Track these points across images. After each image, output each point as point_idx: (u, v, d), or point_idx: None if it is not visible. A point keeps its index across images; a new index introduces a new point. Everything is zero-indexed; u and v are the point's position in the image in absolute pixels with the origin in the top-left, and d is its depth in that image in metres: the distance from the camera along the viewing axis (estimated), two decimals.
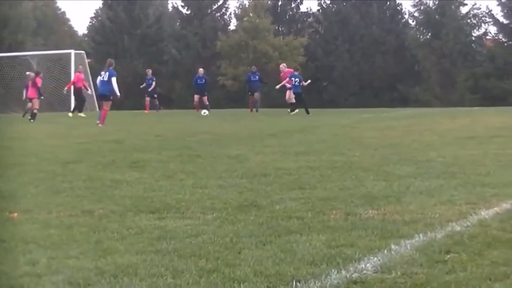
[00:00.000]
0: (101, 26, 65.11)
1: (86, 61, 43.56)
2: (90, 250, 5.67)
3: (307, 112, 27.96)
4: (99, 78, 23.26)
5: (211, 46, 58.88)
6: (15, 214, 7.22)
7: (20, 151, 13.30)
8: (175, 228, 6.47)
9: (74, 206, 7.64)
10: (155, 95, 36.30)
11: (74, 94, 33.46)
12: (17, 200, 8.09)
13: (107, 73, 22.45)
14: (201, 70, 34.43)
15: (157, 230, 6.39)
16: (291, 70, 31.51)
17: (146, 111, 34.91)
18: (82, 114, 30.34)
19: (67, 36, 76.55)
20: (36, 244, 5.92)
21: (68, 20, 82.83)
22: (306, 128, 19.41)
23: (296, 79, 28.94)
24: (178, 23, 65.65)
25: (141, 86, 37.41)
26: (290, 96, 29.43)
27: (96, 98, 34.67)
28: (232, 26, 63.00)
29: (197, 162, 11.57)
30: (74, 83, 32.56)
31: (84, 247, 5.80)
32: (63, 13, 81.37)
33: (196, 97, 33.10)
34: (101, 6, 69.30)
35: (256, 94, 33.34)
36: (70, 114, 30.87)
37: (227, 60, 56.87)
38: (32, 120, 25.37)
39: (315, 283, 4.70)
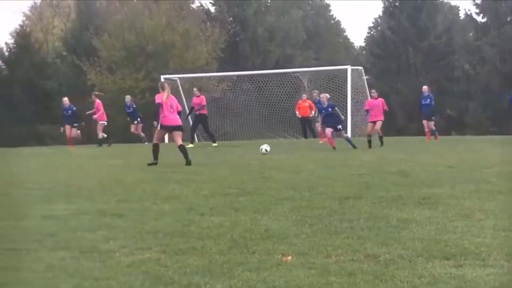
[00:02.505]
0: (381, 37, 65.88)
1: (364, 78, 44.16)
2: None
3: None
4: None
5: None
6: (289, 257, 7.54)
7: (285, 183, 13.83)
8: (475, 278, 6.40)
9: (355, 249, 7.82)
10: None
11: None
12: (289, 241, 8.44)
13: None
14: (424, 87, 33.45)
15: (454, 280, 6.39)
16: None
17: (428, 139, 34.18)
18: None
19: (341, 49, 78.43)
20: None
21: (343, 30, 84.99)
22: None
23: None
24: (471, 33, 64.62)
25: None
26: None
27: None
28: None
29: (498, 199, 11.32)
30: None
31: None
32: (337, 22, 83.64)
33: None
34: (381, 15, 70.22)
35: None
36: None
37: None
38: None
39: None
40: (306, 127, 36.34)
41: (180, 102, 43.37)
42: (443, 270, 6.79)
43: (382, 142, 26.69)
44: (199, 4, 69.31)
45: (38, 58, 62.43)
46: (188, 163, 18.78)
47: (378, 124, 27.37)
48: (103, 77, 54.65)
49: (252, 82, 46.93)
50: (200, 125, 31.67)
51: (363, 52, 75.72)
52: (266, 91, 44.59)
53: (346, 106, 40.34)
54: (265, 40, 65.57)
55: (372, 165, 17.43)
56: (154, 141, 19.60)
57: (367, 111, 28.16)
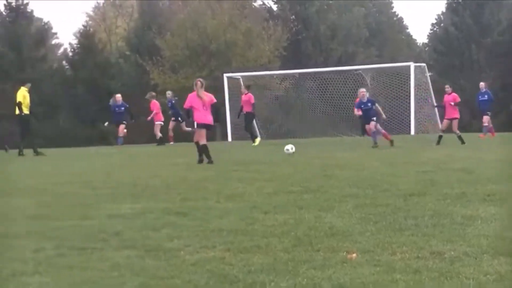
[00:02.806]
0: (444, 34, 65.35)
1: (427, 74, 43.78)
2: None
3: None
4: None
5: None
6: (354, 254, 7.52)
7: (349, 181, 13.79)
8: None
9: (420, 246, 7.78)
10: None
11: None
12: (354, 238, 8.42)
13: None
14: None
15: None
16: None
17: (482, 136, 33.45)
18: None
19: (403, 46, 77.95)
20: None
21: (405, 27, 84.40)
22: None
23: None
24: None
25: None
26: None
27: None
28: None
29: None
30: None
31: None
32: (400, 19, 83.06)
33: None
34: (444, 11, 69.60)
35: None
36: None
37: None
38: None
39: None
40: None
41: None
42: (509, 267, 6.73)
43: (462, 141, 26.28)
44: (261, 3, 69.66)
45: (102, 58, 63.21)
46: (210, 162, 19.02)
47: (455, 125, 27.18)
48: (166, 76, 55.10)
49: (315, 80, 46.87)
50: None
51: (426, 49, 75.21)
52: (328, 89, 44.48)
53: (410, 103, 40.05)
54: (327, 38, 65.45)
55: (436, 162, 17.31)
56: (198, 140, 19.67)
57: (443, 107, 28.04)
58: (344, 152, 22.34)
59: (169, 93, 34.64)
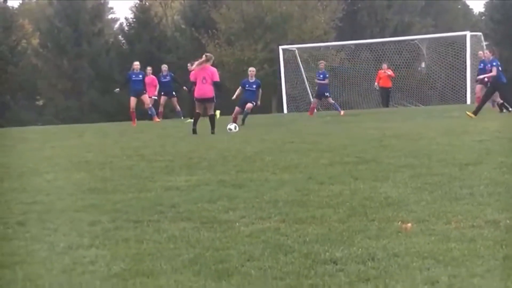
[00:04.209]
0: (501, 3, 64.32)
1: (484, 44, 43.16)
2: (497, 267, 5.71)
3: None
4: None
5: None
6: (409, 224, 7.51)
7: (404, 151, 13.72)
8: None
9: (475, 215, 7.74)
10: None
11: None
12: (409, 208, 8.40)
13: None
14: None
15: None
16: None
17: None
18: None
19: (460, 16, 76.88)
20: (434, 260, 6.13)
21: None
22: None
23: None
24: None
25: None
26: None
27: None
28: None
29: None
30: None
31: (490, 263, 5.86)
32: None
33: None
34: None
35: None
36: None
37: None
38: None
39: None
40: (388, 97, 36.51)
41: (299, 72, 43.80)
42: None
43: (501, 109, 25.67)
44: None
45: (158, 32, 63.40)
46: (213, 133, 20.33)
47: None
48: (222, 49, 55.12)
49: (371, 51, 46.49)
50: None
51: (482, 18, 73.99)
52: (384, 60, 44.10)
53: (466, 73, 39.55)
54: (383, 8, 64.72)
55: (492, 131, 17.12)
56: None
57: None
58: (400, 123, 22.18)
59: (165, 67, 32.74)
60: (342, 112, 29.91)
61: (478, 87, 29.57)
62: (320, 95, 31.46)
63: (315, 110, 32.20)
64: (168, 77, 31.54)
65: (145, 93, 29.27)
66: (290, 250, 6.80)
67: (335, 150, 14.43)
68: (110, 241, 7.52)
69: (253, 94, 25.54)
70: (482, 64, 29.11)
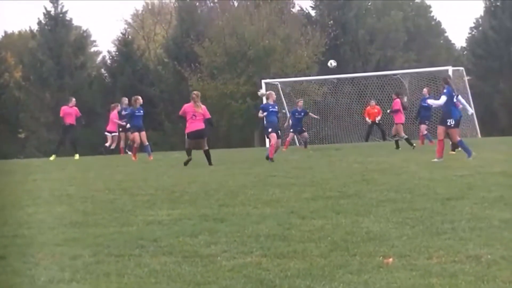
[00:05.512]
0: (483, 37, 64.87)
1: (466, 78, 43.50)
2: None
3: None
4: None
5: None
6: (390, 259, 7.53)
7: (387, 186, 13.77)
8: None
9: (457, 250, 7.77)
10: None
11: None
12: (391, 242, 8.42)
13: None
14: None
15: None
16: None
17: None
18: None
19: (442, 50, 77.42)
20: None
21: (443, 31, 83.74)
22: None
23: None
24: None
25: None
26: None
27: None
28: None
29: None
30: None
31: None
32: (438, 23, 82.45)
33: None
34: (482, 15, 69.15)
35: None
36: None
37: None
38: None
39: None
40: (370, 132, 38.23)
41: (281, 106, 43.91)
42: None
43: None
44: (299, 8, 69.33)
45: (140, 65, 63.57)
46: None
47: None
48: (205, 83, 55.29)
49: (353, 85, 46.76)
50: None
51: (465, 53, 74.58)
52: (367, 94, 44.33)
53: None
54: (366, 43, 65.19)
55: (474, 166, 17.21)
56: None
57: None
58: (383, 157, 22.26)
59: (125, 99, 31.62)
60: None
61: (423, 126, 30.41)
62: (298, 130, 32.07)
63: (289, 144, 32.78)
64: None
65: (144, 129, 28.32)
66: (272, 285, 6.81)
67: (318, 184, 14.47)
68: (91, 275, 7.49)
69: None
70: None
